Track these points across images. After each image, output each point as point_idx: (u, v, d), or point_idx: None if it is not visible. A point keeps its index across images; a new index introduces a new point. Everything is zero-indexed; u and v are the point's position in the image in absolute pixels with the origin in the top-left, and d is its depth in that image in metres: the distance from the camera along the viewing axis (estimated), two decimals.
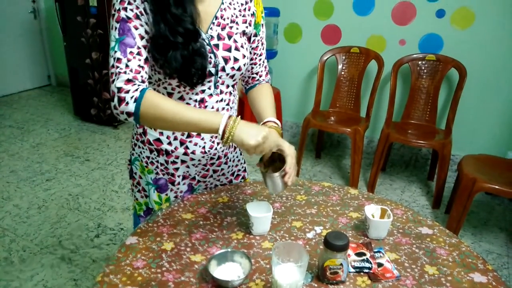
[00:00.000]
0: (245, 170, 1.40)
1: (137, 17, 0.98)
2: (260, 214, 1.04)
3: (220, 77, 1.11)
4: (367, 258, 0.97)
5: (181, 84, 1.06)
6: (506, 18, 2.66)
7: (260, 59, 1.26)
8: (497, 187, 2.13)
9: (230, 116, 0.95)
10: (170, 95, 1.10)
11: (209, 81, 1.10)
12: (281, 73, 3.52)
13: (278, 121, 1.17)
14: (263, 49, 1.26)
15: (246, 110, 3.22)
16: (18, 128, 3.80)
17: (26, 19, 4.64)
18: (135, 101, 0.94)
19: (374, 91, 2.98)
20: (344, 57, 3.14)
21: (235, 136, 0.94)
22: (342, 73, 3.15)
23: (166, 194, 1.24)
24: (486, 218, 2.65)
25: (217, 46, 1.08)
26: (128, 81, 0.95)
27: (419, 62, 2.90)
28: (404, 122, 2.95)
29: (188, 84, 1.06)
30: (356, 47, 3.08)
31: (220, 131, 0.94)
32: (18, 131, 3.74)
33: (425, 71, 2.90)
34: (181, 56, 1.00)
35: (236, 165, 1.35)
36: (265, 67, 1.30)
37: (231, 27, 1.12)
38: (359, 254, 0.99)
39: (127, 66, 0.96)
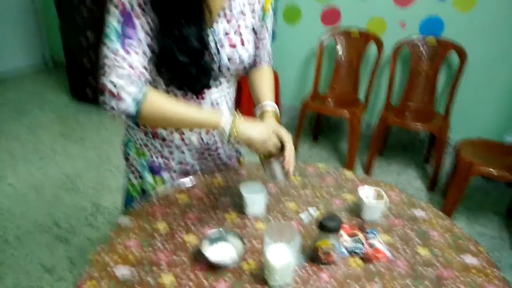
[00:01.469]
0: (240, 153, 1.39)
1: (141, 6, 0.92)
2: (254, 195, 1.04)
3: (221, 73, 1.09)
4: (359, 239, 0.98)
5: None
6: (508, 1, 2.61)
7: (262, 43, 1.22)
8: (493, 171, 2.14)
9: (231, 114, 0.94)
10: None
11: None
12: (279, 56, 3.47)
13: (275, 106, 1.15)
14: (267, 33, 1.21)
15: (244, 93, 3.19)
16: (14, 109, 3.77)
17: None
18: (136, 103, 0.90)
19: (373, 74, 2.95)
20: (343, 40, 3.09)
21: (240, 133, 0.93)
22: (341, 55, 3.12)
23: (161, 176, 1.23)
24: (481, 201, 2.66)
25: (222, 43, 1.05)
26: (127, 78, 0.89)
27: (419, 45, 2.86)
28: (403, 106, 2.94)
29: (190, 91, 1.04)
30: (356, 30, 3.03)
31: (227, 130, 0.93)
32: (14, 112, 3.71)
33: (425, 54, 2.86)
34: (186, 75, 0.97)
35: (230, 149, 1.33)
36: (268, 51, 1.26)
37: (237, 20, 1.08)
38: (352, 235, 0.99)
39: (124, 59, 0.90)
